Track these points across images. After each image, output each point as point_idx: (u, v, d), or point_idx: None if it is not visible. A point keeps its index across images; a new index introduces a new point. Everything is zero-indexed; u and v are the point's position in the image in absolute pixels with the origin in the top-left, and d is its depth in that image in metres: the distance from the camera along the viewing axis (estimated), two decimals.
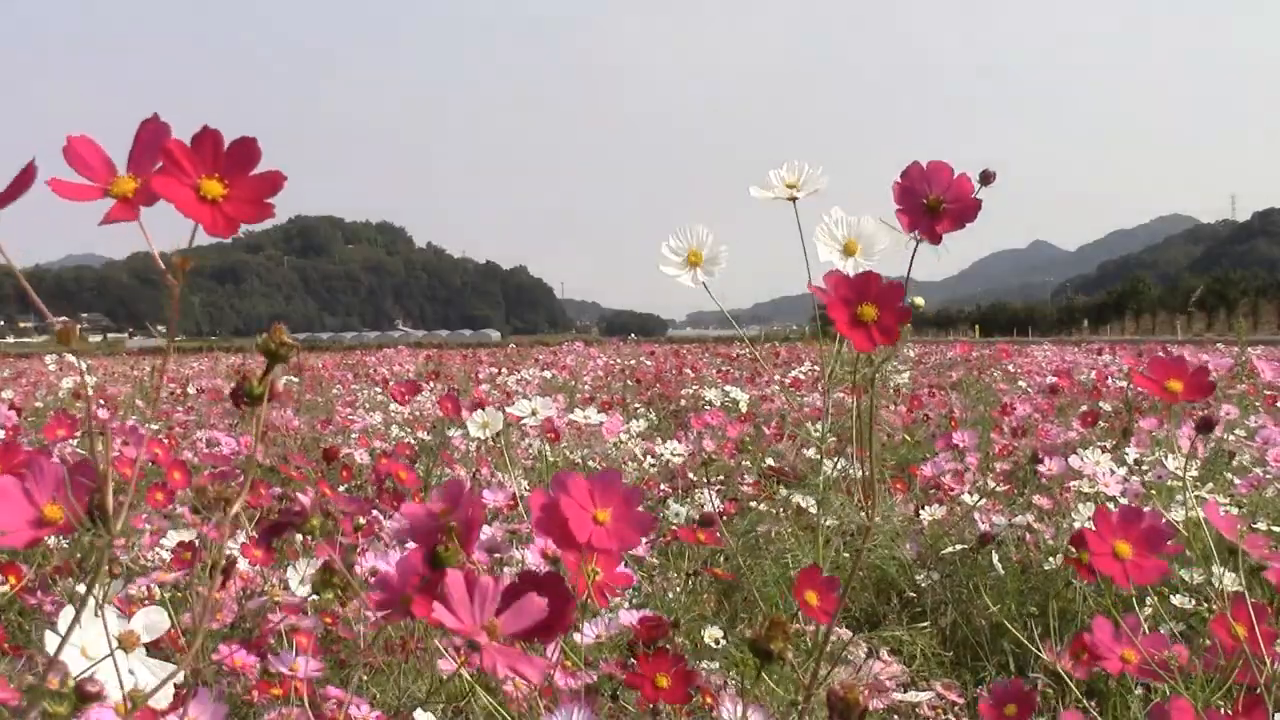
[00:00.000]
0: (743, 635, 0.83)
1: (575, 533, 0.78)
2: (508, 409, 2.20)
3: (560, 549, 0.79)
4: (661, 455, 2.91)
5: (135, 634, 0.78)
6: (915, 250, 0.98)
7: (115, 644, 0.76)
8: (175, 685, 0.84)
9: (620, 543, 0.80)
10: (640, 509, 0.81)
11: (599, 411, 2.84)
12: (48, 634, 0.74)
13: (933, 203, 0.95)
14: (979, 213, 0.96)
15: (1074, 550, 0.95)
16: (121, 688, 0.73)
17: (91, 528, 0.64)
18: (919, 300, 1.06)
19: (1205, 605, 1.78)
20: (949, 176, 0.96)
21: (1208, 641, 1.05)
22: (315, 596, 1.63)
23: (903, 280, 1.01)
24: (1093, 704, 1.44)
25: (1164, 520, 0.98)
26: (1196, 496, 2.42)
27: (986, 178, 0.97)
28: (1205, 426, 1.19)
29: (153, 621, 0.82)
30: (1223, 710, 0.96)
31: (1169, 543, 0.97)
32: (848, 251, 1.06)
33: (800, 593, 1.05)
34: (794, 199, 1.14)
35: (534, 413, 2.22)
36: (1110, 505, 2.19)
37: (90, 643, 0.75)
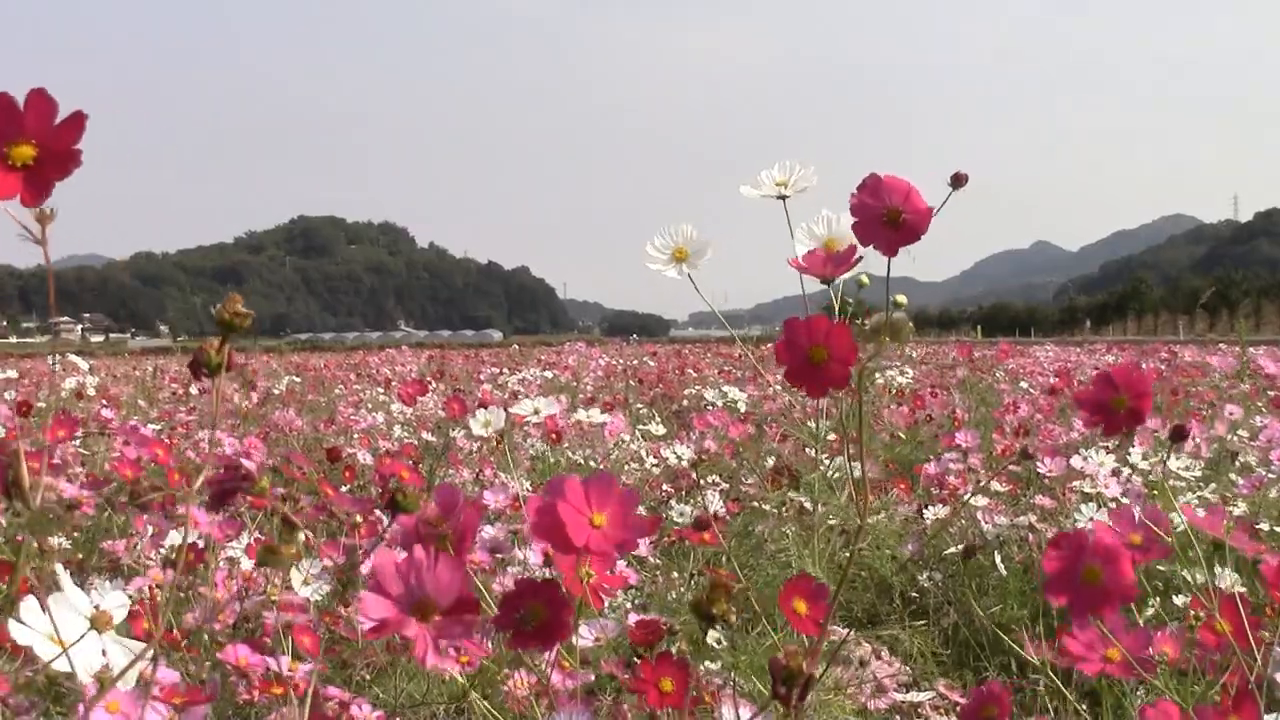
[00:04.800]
0: (690, 604, 0.83)
1: (573, 537, 0.77)
2: (511, 409, 2.20)
3: (557, 553, 0.79)
4: (667, 458, 2.91)
5: (108, 613, 0.78)
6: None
7: (87, 625, 0.76)
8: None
9: (618, 546, 0.79)
10: (637, 511, 0.80)
11: (601, 411, 2.84)
12: (12, 623, 0.74)
13: (891, 215, 0.94)
14: (929, 224, 0.95)
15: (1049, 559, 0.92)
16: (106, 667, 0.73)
17: (8, 504, 0.63)
18: (900, 298, 1.05)
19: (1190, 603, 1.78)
20: (905, 188, 0.95)
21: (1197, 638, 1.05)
22: (317, 597, 1.63)
23: (892, 280, 1.01)
24: (1084, 707, 1.44)
25: (1159, 537, 0.96)
26: (1200, 497, 2.42)
27: (958, 180, 0.97)
28: (1178, 435, 1.17)
29: (120, 602, 0.81)
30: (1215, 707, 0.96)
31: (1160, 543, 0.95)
32: (827, 249, 1.05)
33: (787, 602, 1.03)
34: (784, 198, 1.14)
35: (537, 411, 2.23)
36: (1107, 507, 2.19)
37: (61, 627, 0.74)
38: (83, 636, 0.74)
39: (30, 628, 0.74)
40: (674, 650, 1.20)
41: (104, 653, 0.76)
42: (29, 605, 0.74)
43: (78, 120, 0.60)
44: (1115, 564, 0.89)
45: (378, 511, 2.15)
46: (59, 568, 0.77)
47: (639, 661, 1.12)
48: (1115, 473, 2.47)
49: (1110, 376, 0.96)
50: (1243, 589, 1.58)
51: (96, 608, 0.77)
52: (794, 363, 0.89)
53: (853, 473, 1.07)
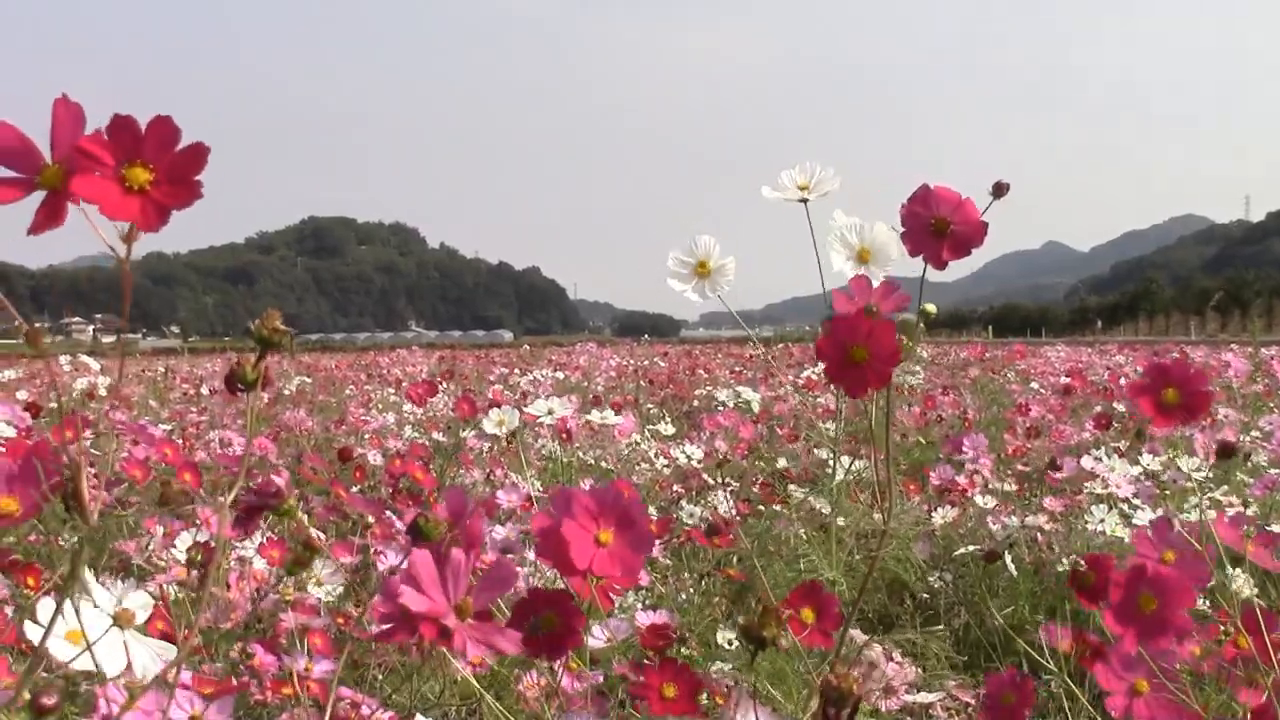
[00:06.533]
0: (738, 624, 0.82)
1: (576, 561, 0.76)
2: (524, 409, 2.20)
3: (563, 575, 0.78)
4: (677, 458, 2.90)
5: (130, 611, 0.78)
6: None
7: (111, 621, 0.76)
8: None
9: (623, 566, 0.78)
10: (643, 526, 0.79)
11: (613, 412, 2.84)
12: (28, 625, 0.74)
13: (938, 225, 0.93)
14: (984, 237, 0.94)
15: (1085, 565, 0.92)
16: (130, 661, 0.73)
17: (68, 518, 0.62)
18: (930, 307, 1.05)
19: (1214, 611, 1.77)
20: (955, 200, 0.94)
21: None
22: (329, 598, 1.63)
23: (910, 281, 1.01)
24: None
25: (1197, 557, 0.95)
26: (1210, 499, 2.41)
27: (999, 190, 0.96)
28: (1225, 452, 1.16)
29: (143, 602, 0.81)
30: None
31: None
32: (860, 259, 1.04)
33: (795, 609, 1.02)
34: (805, 200, 1.13)
35: (550, 412, 2.22)
36: (1123, 516, 2.18)
37: (86, 625, 0.75)
38: (105, 633, 0.75)
39: (45, 627, 0.74)
40: (680, 655, 1.19)
41: (127, 650, 0.76)
42: (44, 605, 0.75)
43: (198, 151, 0.60)
44: (1175, 598, 0.88)
45: (388, 513, 2.15)
46: (86, 571, 0.78)
47: (644, 665, 1.11)
48: (1148, 476, 2.47)
49: (1166, 369, 0.95)
50: (1255, 591, 1.58)
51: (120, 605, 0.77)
52: (835, 361, 0.88)
53: (877, 474, 1.07)
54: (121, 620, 0.77)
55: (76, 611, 0.74)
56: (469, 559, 0.76)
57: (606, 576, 0.78)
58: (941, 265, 0.94)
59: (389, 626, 0.74)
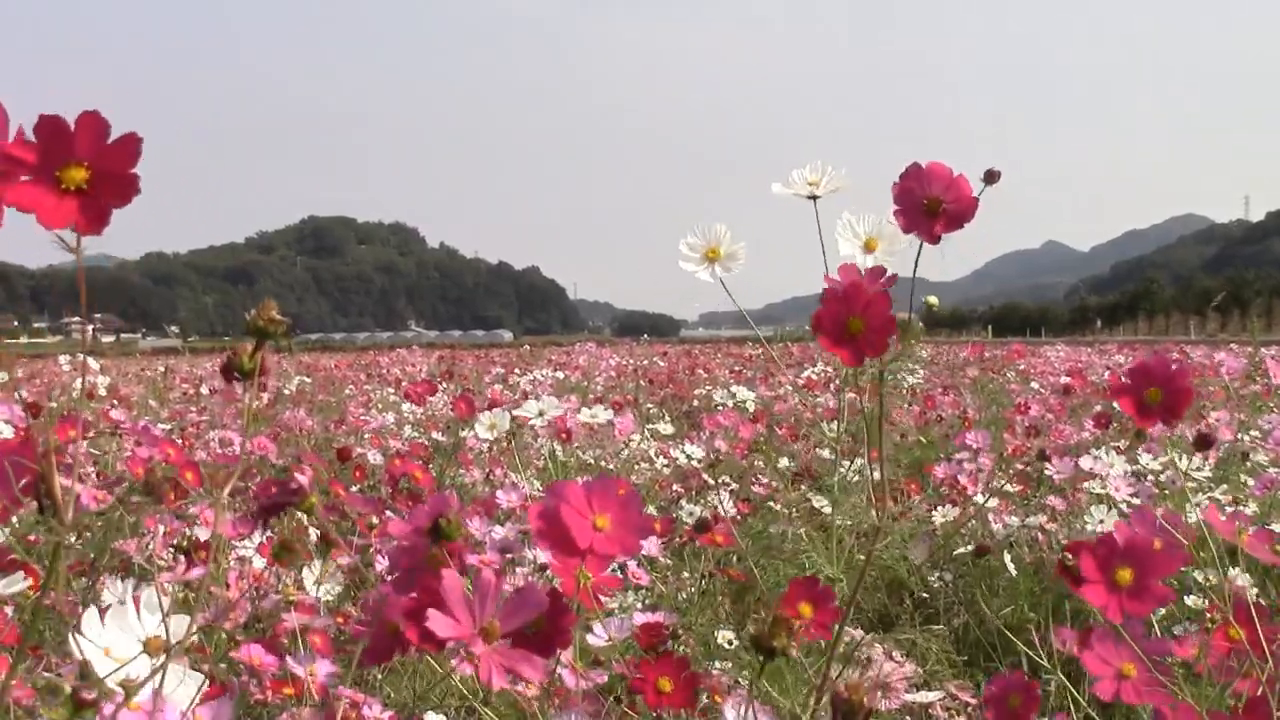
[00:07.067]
0: (748, 633, 0.83)
1: (577, 540, 0.77)
2: (516, 410, 2.20)
3: (562, 557, 0.78)
4: (677, 458, 2.90)
5: (160, 639, 0.78)
6: (920, 250, 0.97)
7: (140, 647, 0.76)
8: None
9: (622, 547, 0.79)
10: (639, 512, 0.80)
11: (607, 409, 2.83)
12: (72, 637, 0.74)
13: (931, 203, 0.94)
14: (976, 213, 0.95)
15: (1070, 558, 0.92)
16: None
17: (41, 518, 0.62)
18: (932, 299, 1.05)
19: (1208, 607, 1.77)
20: (948, 177, 0.95)
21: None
22: (329, 597, 1.63)
23: (909, 281, 1.01)
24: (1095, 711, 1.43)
25: (1177, 542, 0.95)
26: (1211, 498, 2.41)
27: (991, 177, 0.96)
28: (1203, 443, 1.16)
29: (175, 625, 0.82)
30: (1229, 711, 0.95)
31: (1179, 552, 0.93)
32: (868, 248, 1.05)
33: (793, 604, 1.03)
34: (815, 197, 1.14)
35: (541, 413, 2.22)
36: (1121, 516, 2.18)
37: (113, 644, 0.75)
38: (136, 658, 0.75)
39: (91, 642, 0.74)
40: (675, 649, 1.19)
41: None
42: (90, 619, 0.75)
43: (131, 142, 0.58)
44: (1151, 565, 0.88)
45: (388, 513, 2.15)
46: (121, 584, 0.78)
47: (640, 661, 1.12)
48: (1137, 476, 2.46)
49: (1147, 368, 0.95)
50: (1255, 590, 1.58)
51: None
52: (831, 332, 0.89)
53: (871, 474, 1.07)
54: (151, 648, 0.77)
55: (114, 622, 0.74)
56: (463, 569, 0.77)
57: (606, 556, 0.78)
58: (935, 240, 0.95)
59: (379, 645, 0.74)
